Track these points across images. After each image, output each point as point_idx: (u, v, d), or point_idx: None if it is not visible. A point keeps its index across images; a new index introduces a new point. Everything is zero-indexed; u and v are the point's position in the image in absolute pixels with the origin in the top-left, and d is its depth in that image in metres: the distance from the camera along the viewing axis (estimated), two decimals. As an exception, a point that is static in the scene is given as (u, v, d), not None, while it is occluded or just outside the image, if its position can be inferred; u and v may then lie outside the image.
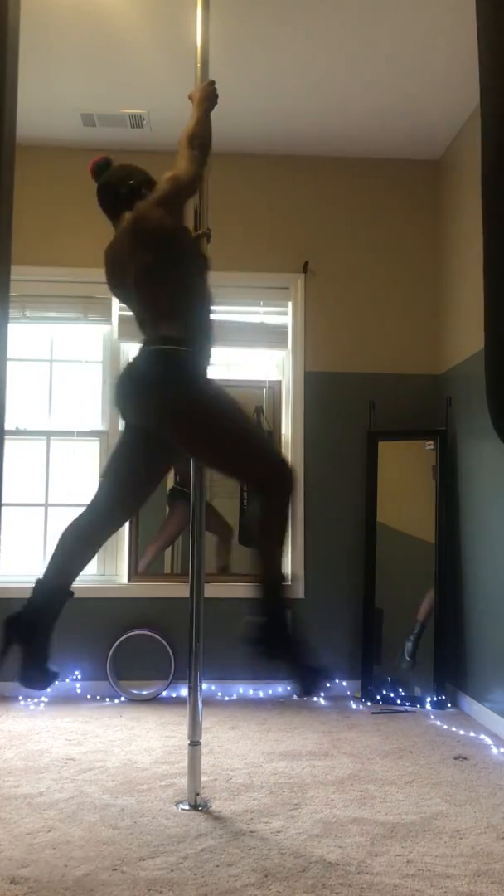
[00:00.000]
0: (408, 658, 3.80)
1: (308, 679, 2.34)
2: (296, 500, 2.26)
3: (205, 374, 2.43)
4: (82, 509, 2.48)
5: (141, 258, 2.43)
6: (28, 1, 2.90)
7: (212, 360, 2.50)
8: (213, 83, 2.61)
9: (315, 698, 2.17)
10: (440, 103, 3.73)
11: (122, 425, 2.56)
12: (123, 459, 2.49)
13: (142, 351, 2.42)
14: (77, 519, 2.46)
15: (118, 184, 2.57)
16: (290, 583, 4.06)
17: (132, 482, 2.50)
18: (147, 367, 2.36)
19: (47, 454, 4.18)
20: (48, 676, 2.38)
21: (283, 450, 2.12)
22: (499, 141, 1.09)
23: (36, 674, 2.36)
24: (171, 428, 2.36)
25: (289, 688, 2.36)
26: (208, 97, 2.58)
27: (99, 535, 2.49)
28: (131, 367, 2.43)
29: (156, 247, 2.43)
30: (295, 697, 2.29)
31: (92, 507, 2.48)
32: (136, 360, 2.42)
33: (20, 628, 2.37)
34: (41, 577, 2.43)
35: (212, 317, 2.55)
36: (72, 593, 2.45)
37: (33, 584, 2.43)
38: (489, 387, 1.17)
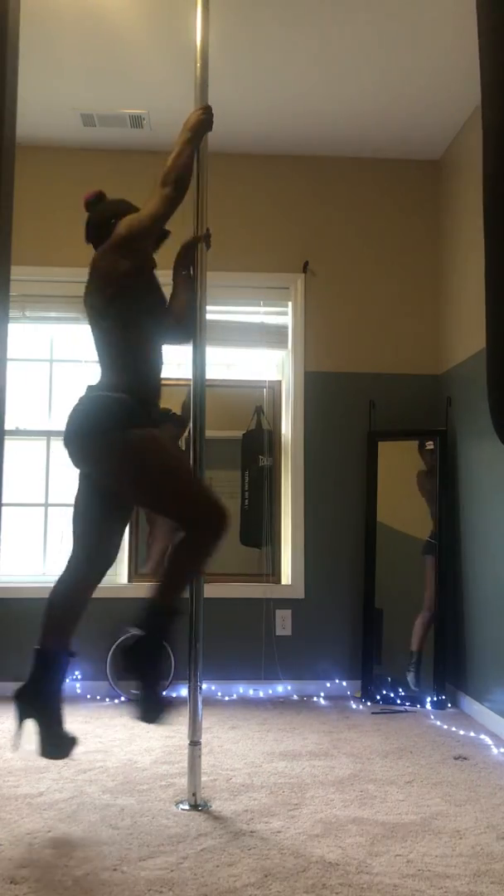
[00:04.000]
0: (414, 688, 3.82)
1: (150, 707, 2.33)
2: (222, 542, 2.35)
3: (138, 420, 2.37)
4: (62, 571, 2.49)
5: (91, 300, 2.51)
6: (28, 1, 2.90)
7: (154, 404, 2.50)
8: (208, 108, 2.57)
9: (164, 724, 2.21)
10: (440, 103, 3.73)
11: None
12: (82, 510, 2.52)
13: (80, 397, 2.46)
14: (59, 581, 2.47)
15: (99, 222, 2.60)
16: (290, 582, 4.06)
17: (97, 530, 2.51)
18: (77, 414, 2.41)
19: (47, 454, 4.18)
20: (66, 744, 2.41)
21: (214, 495, 2.26)
22: (501, 138, 1.09)
23: (55, 743, 2.39)
24: (100, 473, 2.44)
25: (132, 709, 2.40)
26: (198, 124, 2.53)
27: (85, 590, 2.50)
28: (71, 412, 2.44)
29: (101, 291, 2.48)
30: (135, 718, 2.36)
31: (70, 566, 2.49)
32: (74, 405, 2.44)
33: (29, 701, 2.40)
34: (38, 645, 2.43)
35: (160, 360, 2.55)
36: (73, 653, 2.46)
37: (33, 654, 2.43)
38: (490, 386, 1.16)
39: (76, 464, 2.47)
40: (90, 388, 2.47)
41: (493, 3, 1.11)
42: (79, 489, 2.53)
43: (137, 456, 2.32)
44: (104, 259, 2.50)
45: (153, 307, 2.55)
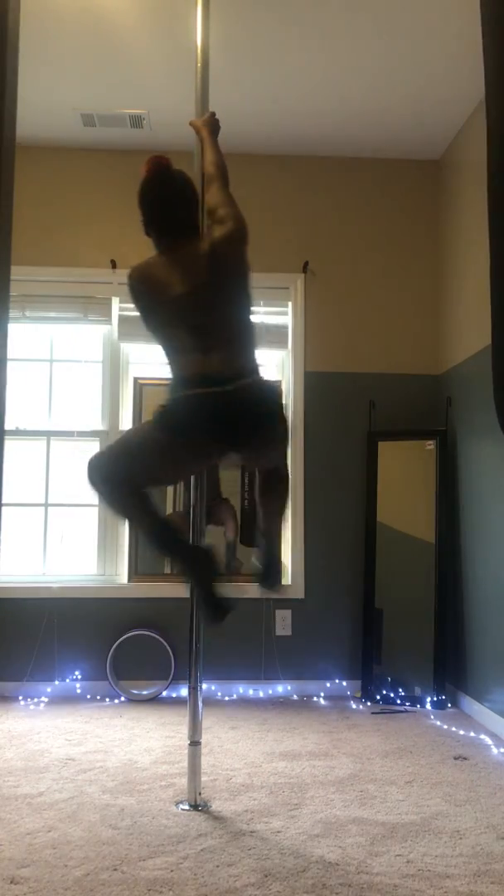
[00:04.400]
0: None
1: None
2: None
3: None
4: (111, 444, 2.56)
5: (224, 285, 2.49)
6: (28, 1, 2.90)
7: None
8: (213, 114, 2.62)
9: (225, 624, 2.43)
10: (440, 103, 3.73)
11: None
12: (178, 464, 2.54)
13: (250, 382, 2.42)
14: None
15: (190, 201, 2.55)
16: (290, 582, 4.07)
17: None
18: (271, 400, 2.50)
19: (47, 454, 4.18)
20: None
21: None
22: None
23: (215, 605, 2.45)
24: (277, 449, 2.60)
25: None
26: (214, 122, 2.60)
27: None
28: (248, 398, 2.40)
29: (240, 276, 2.54)
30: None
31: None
32: (249, 390, 2.41)
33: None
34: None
35: None
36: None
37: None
38: (497, 383, 1.16)
39: (250, 446, 2.50)
40: (244, 373, 2.42)
41: (497, 2, 1.10)
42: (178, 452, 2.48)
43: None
44: (235, 246, 2.53)
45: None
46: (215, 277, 2.46)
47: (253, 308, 2.59)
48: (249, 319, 2.55)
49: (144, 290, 2.49)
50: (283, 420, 2.55)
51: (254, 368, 2.48)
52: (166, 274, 2.46)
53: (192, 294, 2.44)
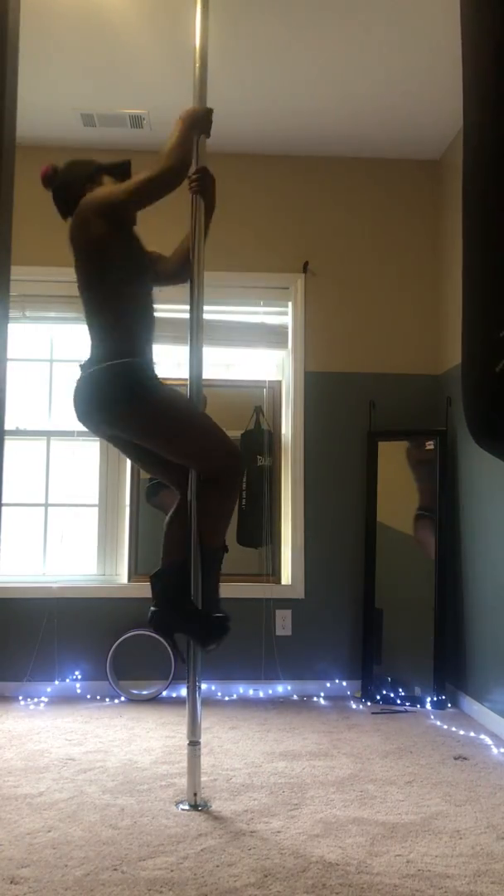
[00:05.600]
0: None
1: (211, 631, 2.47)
2: (240, 485, 2.77)
3: (152, 379, 2.49)
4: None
5: (80, 274, 2.53)
6: (28, 1, 2.90)
7: (155, 362, 2.60)
8: (210, 110, 2.56)
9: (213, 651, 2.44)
10: (440, 103, 3.72)
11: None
12: (139, 457, 2.67)
13: (92, 370, 2.46)
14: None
15: (71, 190, 2.60)
16: (290, 582, 4.07)
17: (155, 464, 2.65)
18: (99, 386, 2.44)
19: (47, 454, 4.18)
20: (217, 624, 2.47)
21: (230, 442, 2.50)
22: (478, 149, 1.09)
23: (207, 631, 2.46)
24: (135, 434, 2.51)
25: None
26: (193, 114, 2.52)
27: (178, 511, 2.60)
28: (84, 386, 2.48)
29: (89, 262, 2.51)
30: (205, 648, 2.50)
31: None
32: (87, 377, 2.47)
33: (166, 620, 2.50)
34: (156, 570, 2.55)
35: (152, 319, 2.60)
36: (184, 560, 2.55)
37: (151, 581, 2.55)
38: (466, 403, 1.17)
39: (99, 433, 2.59)
40: (87, 363, 2.50)
41: (474, 4, 1.11)
42: (125, 450, 2.67)
43: (160, 415, 2.45)
44: (81, 229, 2.50)
45: (141, 263, 2.57)
46: (76, 255, 2.55)
47: (119, 288, 2.50)
48: (106, 301, 2.50)
49: None
50: (115, 404, 2.43)
51: (103, 356, 2.45)
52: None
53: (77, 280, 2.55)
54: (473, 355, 1.10)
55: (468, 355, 1.12)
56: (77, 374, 2.54)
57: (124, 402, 2.41)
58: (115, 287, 2.50)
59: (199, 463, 2.49)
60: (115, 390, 2.41)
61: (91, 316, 2.53)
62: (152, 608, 2.49)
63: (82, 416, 2.52)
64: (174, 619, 2.47)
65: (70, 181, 2.62)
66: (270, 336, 4.27)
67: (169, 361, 3.81)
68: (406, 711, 3.69)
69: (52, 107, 3.81)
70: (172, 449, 2.50)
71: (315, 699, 3.90)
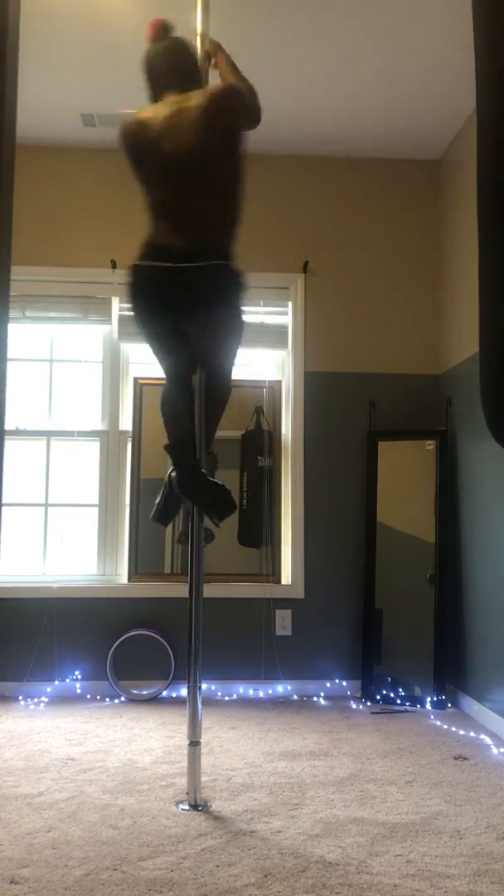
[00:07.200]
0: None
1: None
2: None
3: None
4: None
5: (206, 149, 2.38)
6: (28, 1, 2.90)
7: None
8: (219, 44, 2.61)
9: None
10: (440, 103, 3.72)
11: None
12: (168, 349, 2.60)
13: (224, 264, 2.42)
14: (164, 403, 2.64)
15: (188, 55, 2.54)
16: (290, 582, 4.07)
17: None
18: (237, 282, 2.47)
19: (47, 454, 4.18)
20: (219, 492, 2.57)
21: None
22: (495, 142, 1.09)
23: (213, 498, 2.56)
24: (220, 333, 2.53)
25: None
26: (221, 51, 2.60)
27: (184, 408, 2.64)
28: (218, 275, 2.43)
29: (225, 145, 2.42)
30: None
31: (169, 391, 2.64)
32: (221, 268, 2.41)
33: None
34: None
35: None
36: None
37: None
38: (483, 392, 1.17)
39: (175, 321, 2.49)
40: (207, 249, 2.41)
41: (490, 5, 1.11)
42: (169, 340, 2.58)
43: (241, 328, 2.57)
44: (227, 114, 2.41)
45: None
46: (203, 139, 2.39)
47: (241, 187, 2.48)
48: (233, 197, 2.45)
49: (135, 141, 2.47)
50: (234, 312, 2.47)
51: (220, 252, 2.40)
52: (160, 126, 2.43)
53: (177, 153, 2.39)
54: (493, 344, 1.10)
55: (488, 344, 1.11)
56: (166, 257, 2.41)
57: (239, 304, 2.48)
58: (240, 185, 2.48)
59: (222, 379, 2.63)
60: (241, 289, 2.46)
61: (209, 201, 2.42)
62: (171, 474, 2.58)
63: (199, 298, 2.42)
64: (197, 483, 2.52)
65: (191, 57, 2.55)
66: (270, 336, 4.27)
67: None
68: (406, 711, 3.69)
69: (52, 107, 3.81)
70: (224, 354, 2.59)
71: (315, 699, 3.90)
